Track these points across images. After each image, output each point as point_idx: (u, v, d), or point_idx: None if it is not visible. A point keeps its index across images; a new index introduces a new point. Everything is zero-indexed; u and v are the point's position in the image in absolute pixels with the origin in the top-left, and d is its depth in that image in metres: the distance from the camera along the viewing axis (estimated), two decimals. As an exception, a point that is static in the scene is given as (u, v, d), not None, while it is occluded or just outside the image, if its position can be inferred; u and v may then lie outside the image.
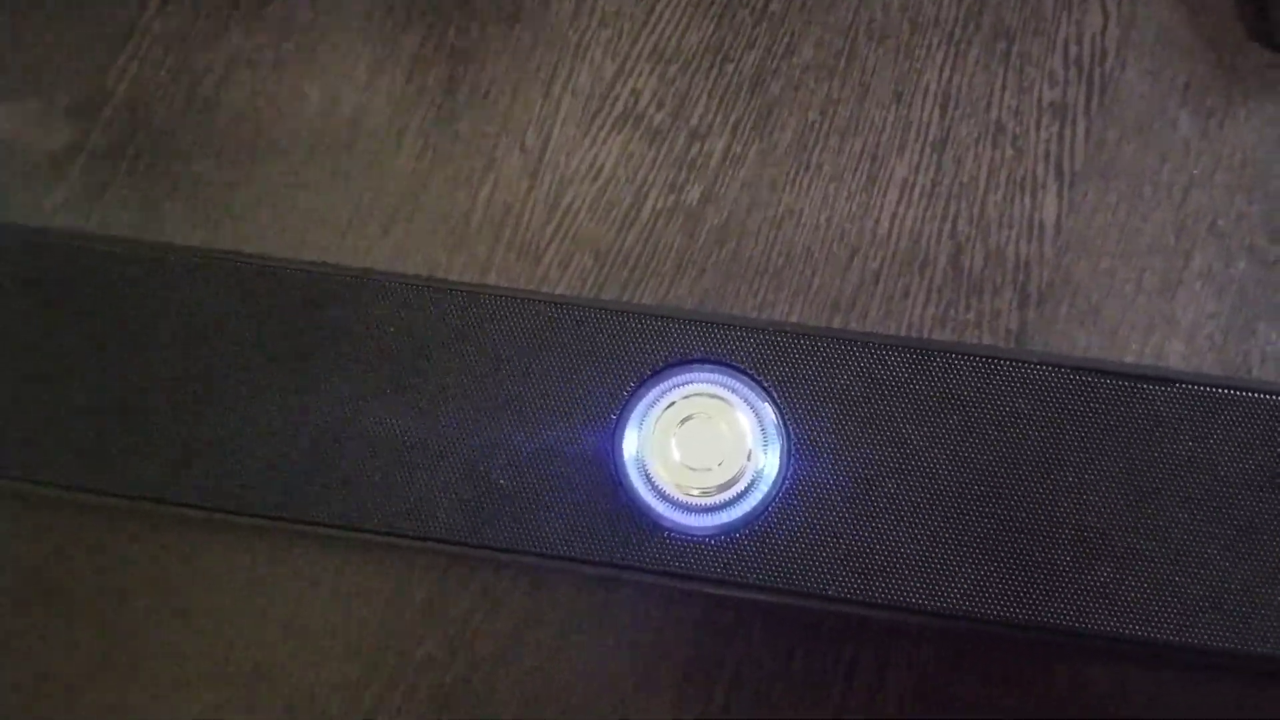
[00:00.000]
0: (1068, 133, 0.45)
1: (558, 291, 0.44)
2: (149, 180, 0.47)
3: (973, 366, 0.36)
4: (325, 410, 0.36)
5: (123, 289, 0.38)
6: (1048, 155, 0.45)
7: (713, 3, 0.47)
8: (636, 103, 0.46)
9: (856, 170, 0.45)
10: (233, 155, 0.47)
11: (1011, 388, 0.36)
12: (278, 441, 0.36)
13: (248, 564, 0.43)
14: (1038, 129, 0.45)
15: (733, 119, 0.46)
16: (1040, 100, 0.46)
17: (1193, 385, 0.36)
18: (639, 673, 0.41)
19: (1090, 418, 0.36)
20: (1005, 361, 0.36)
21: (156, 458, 0.37)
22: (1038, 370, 0.36)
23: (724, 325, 0.36)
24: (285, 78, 0.47)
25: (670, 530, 0.35)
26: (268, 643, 0.43)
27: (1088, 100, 0.45)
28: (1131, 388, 0.36)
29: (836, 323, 0.44)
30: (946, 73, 0.46)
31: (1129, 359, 0.43)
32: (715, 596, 0.40)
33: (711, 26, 0.47)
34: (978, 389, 0.36)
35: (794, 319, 0.44)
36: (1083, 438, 0.35)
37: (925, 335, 0.43)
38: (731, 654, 0.41)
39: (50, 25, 0.48)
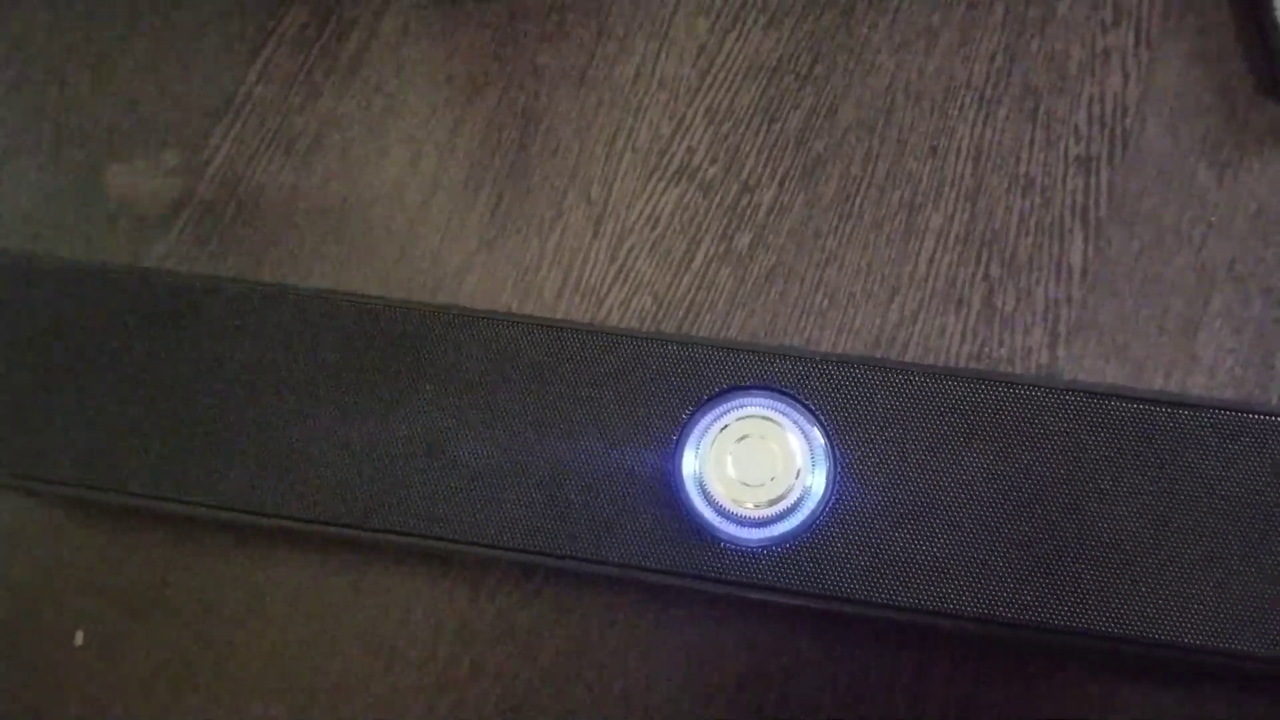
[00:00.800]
0: (1092, 183, 0.49)
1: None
2: (247, 234, 0.51)
3: (1006, 393, 0.39)
4: (409, 434, 0.40)
5: (230, 323, 0.43)
6: (1074, 205, 0.48)
7: (761, 67, 0.51)
8: (691, 159, 0.51)
9: (895, 219, 0.49)
10: (322, 211, 0.51)
11: (1042, 412, 0.39)
12: (363, 461, 0.40)
13: (330, 578, 0.47)
14: (1064, 180, 0.49)
15: (780, 173, 0.50)
16: (1066, 154, 0.49)
17: (1212, 410, 0.38)
18: (696, 681, 0.44)
19: (1116, 440, 0.39)
20: (1036, 388, 0.39)
21: (246, 474, 0.41)
22: (1066, 396, 0.39)
23: (774, 354, 0.40)
24: (372, 139, 0.52)
25: (725, 542, 0.38)
26: (349, 654, 0.46)
27: (1111, 153, 0.49)
28: (1155, 412, 0.39)
29: (879, 357, 0.47)
30: (978, 129, 0.50)
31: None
32: (767, 609, 0.43)
33: (760, 89, 0.51)
34: (1010, 414, 0.39)
35: (839, 353, 0.47)
36: (1110, 459, 0.38)
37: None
38: (781, 663, 0.44)
39: (161, 89, 0.54)
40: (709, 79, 0.52)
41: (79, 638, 0.48)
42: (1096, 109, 0.50)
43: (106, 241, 0.52)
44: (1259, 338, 0.47)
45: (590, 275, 0.49)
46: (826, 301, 0.48)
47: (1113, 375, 0.46)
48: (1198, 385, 0.46)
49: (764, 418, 0.39)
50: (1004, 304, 0.47)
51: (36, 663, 0.48)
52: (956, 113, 0.50)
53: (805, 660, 0.44)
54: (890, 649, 0.43)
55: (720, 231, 0.50)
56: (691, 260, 0.49)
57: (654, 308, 0.49)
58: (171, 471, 0.42)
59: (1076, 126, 0.50)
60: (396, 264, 0.50)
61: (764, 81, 0.51)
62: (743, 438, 0.39)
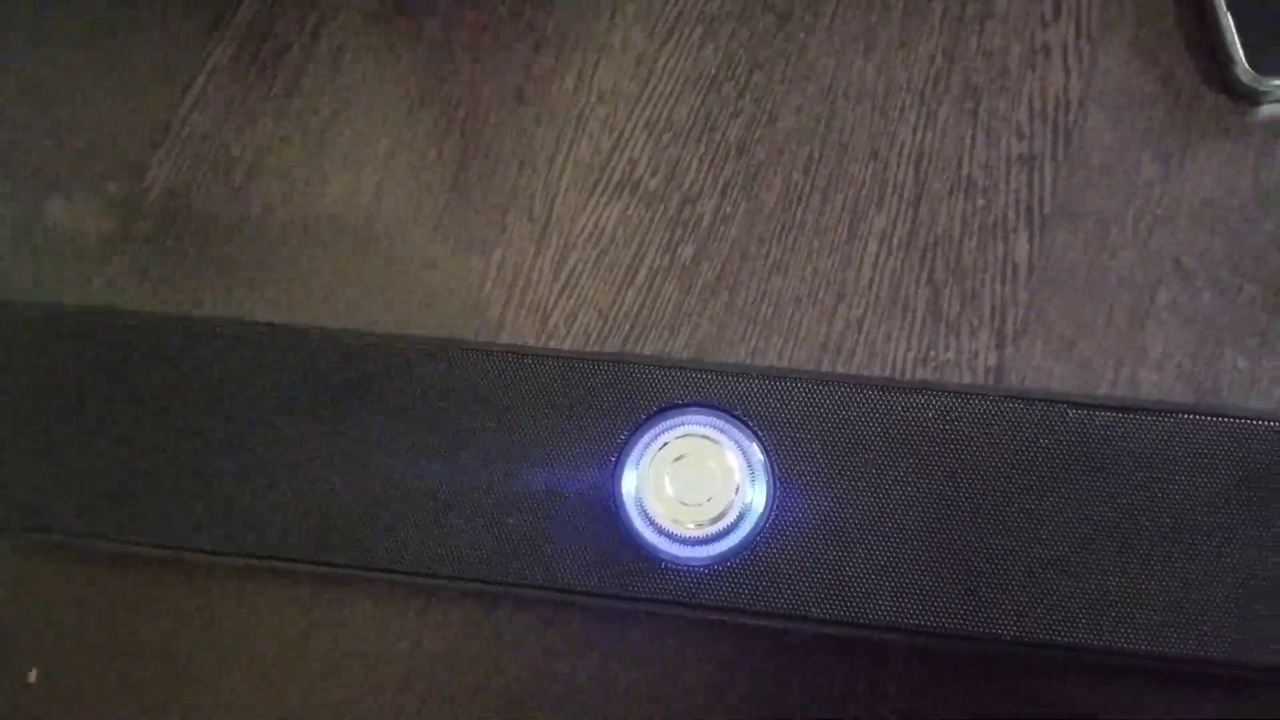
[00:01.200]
0: (1036, 180, 0.48)
1: (565, 346, 0.48)
2: (189, 265, 0.51)
3: (945, 403, 0.39)
4: (355, 466, 0.40)
5: (171, 360, 0.42)
6: (1018, 203, 0.48)
7: (700, 77, 0.51)
8: (633, 171, 0.50)
9: (838, 225, 0.49)
10: (263, 236, 0.51)
11: (984, 421, 0.39)
12: (313, 495, 0.40)
13: (286, 612, 0.46)
14: (1007, 179, 0.48)
15: (722, 182, 0.50)
16: (1009, 152, 0.49)
17: (1159, 414, 0.38)
18: (655, 701, 0.44)
19: (1062, 447, 0.38)
20: (976, 397, 0.39)
21: (206, 512, 0.40)
22: (1008, 404, 0.39)
23: (711, 371, 0.39)
24: (310, 163, 0.52)
25: (667, 562, 0.38)
26: (308, 686, 0.46)
27: (1054, 149, 0.49)
28: (1100, 417, 0.38)
29: (825, 365, 0.47)
30: (920, 131, 0.49)
31: (1103, 389, 0.46)
32: (717, 625, 0.43)
33: (700, 99, 0.51)
34: (951, 424, 0.39)
35: (784, 363, 0.47)
36: (1055, 466, 0.38)
37: (908, 376, 0.46)
38: (737, 681, 0.43)
39: (97, 120, 0.53)
40: (648, 90, 0.51)
41: (32, 675, 0.48)
42: (1038, 105, 0.49)
43: (48, 275, 0.52)
44: (1208, 330, 0.46)
45: (535, 292, 0.49)
46: (772, 311, 0.48)
47: (1061, 374, 0.46)
48: (1147, 380, 0.46)
49: (702, 436, 0.39)
50: (949, 308, 0.47)
51: (-9, 703, 0.48)
52: (897, 115, 0.50)
53: (762, 674, 0.43)
54: (843, 661, 0.43)
55: (664, 244, 0.49)
56: (636, 274, 0.49)
57: (600, 323, 0.48)
58: (118, 511, 0.42)
59: (1018, 124, 0.49)
60: (340, 290, 0.50)
61: (703, 91, 0.51)
62: (679, 457, 0.38)
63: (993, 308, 0.47)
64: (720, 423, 0.39)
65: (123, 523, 0.41)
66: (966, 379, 0.46)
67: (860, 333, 0.47)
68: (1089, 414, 0.38)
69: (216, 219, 0.52)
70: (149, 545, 0.41)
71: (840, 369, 0.47)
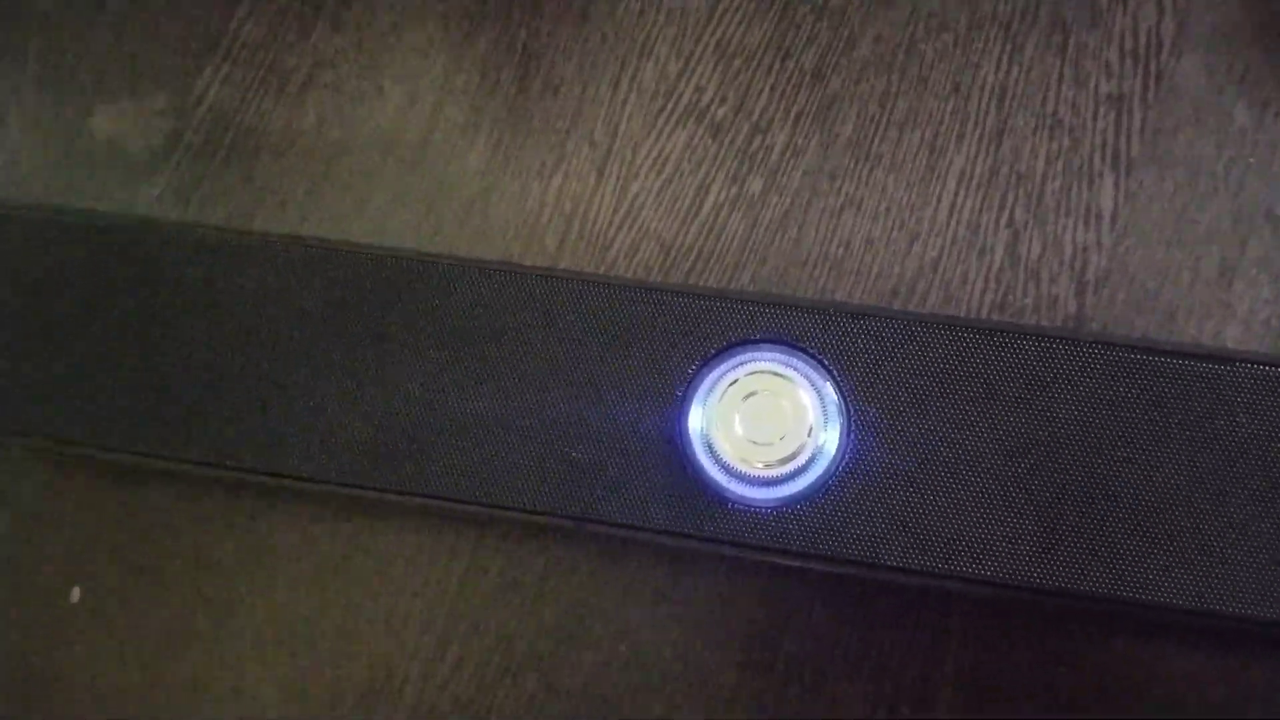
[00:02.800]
0: (1124, 122, 0.46)
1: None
2: (239, 176, 0.49)
3: (1029, 346, 0.37)
4: (407, 389, 0.39)
5: (215, 274, 0.41)
6: (1104, 145, 0.46)
7: (774, 0, 0.49)
8: (700, 98, 0.48)
9: (915, 161, 0.47)
10: (317, 152, 0.49)
11: (1068, 368, 0.37)
12: (361, 417, 0.39)
13: (330, 536, 0.45)
14: (1094, 119, 0.46)
15: (794, 113, 0.48)
16: (1096, 91, 0.46)
17: (1250, 364, 0.36)
18: (705, 643, 0.43)
19: (1147, 397, 0.37)
20: (1061, 341, 0.37)
21: (249, 432, 0.39)
22: (1094, 350, 0.37)
23: (785, 306, 0.38)
24: (365, 78, 0.50)
25: (734, 502, 0.37)
26: (349, 612, 0.45)
27: (1144, 91, 0.46)
28: (1187, 366, 0.37)
29: (896, 307, 0.45)
30: (1004, 65, 0.47)
31: (1187, 344, 0.44)
32: (778, 570, 0.41)
33: (773, 23, 0.49)
34: (1034, 369, 0.37)
35: (856, 303, 0.45)
36: (1140, 417, 0.36)
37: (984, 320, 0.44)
38: (793, 627, 0.42)
39: (146, 30, 0.51)
40: (719, 11, 0.49)
41: (75, 594, 0.47)
42: (1129, 43, 0.47)
43: (94, 187, 0.50)
44: (1298, 286, 0.44)
45: (594, 222, 0.47)
46: (842, 250, 0.46)
47: (1143, 326, 0.44)
48: (1233, 337, 0.44)
49: (774, 373, 0.37)
50: (1029, 251, 0.45)
51: (31, 619, 0.47)
52: (981, 48, 0.47)
53: (818, 622, 0.42)
54: (908, 613, 0.42)
55: (731, 175, 0.47)
56: (701, 206, 0.47)
57: (661, 256, 0.47)
58: (162, 427, 0.41)
59: (1108, 62, 0.47)
60: (392, 210, 0.48)
61: (777, 14, 0.49)
62: (751, 394, 0.37)
63: (1074, 253, 0.45)
64: (794, 360, 0.37)
65: (163, 438, 0.40)
66: (1045, 326, 0.44)
67: (935, 274, 0.45)
68: (1178, 363, 0.37)
69: (267, 134, 0.50)
70: (190, 462, 0.40)
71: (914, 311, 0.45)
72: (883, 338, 0.37)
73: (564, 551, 0.44)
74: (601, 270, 0.47)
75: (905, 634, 0.42)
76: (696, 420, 0.37)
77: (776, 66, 0.48)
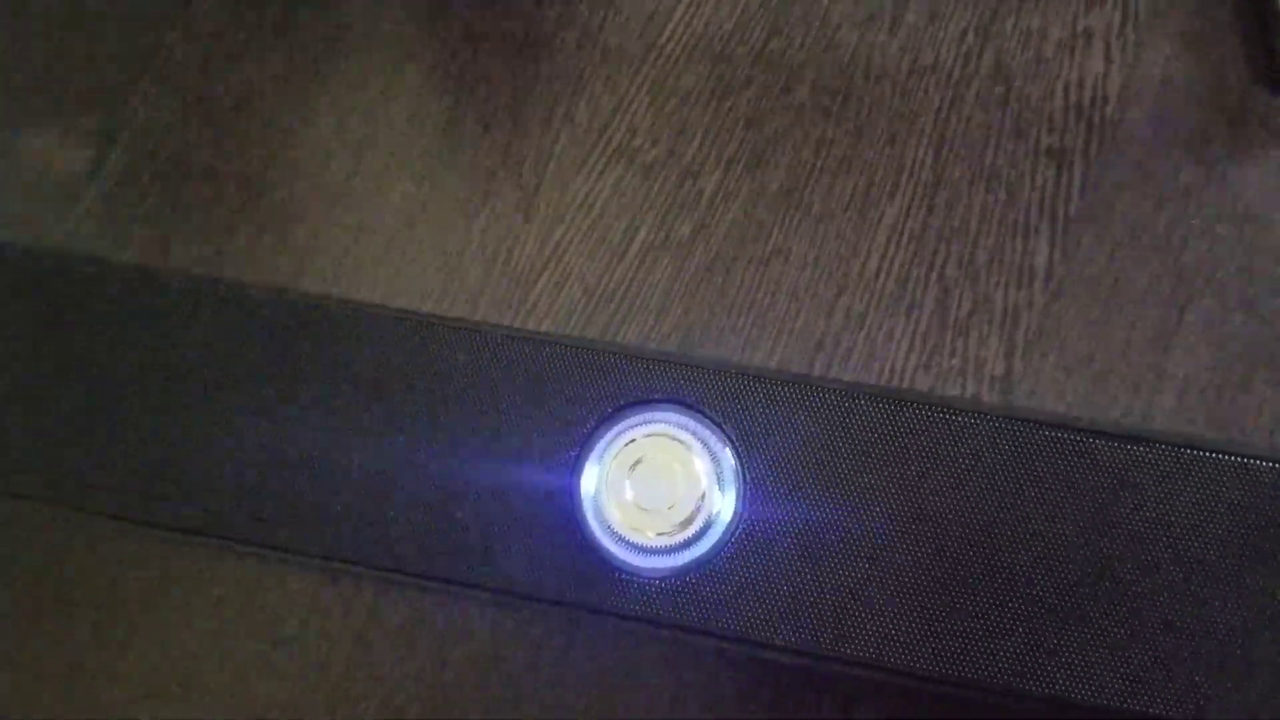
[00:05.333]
0: (1064, 178, 0.45)
1: (545, 322, 0.45)
2: (162, 204, 0.48)
3: (938, 419, 0.36)
4: (298, 439, 0.37)
5: (108, 311, 0.40)
6: (1042, 201, 0.44)
7: (712, 40, 0.47)
8: (632, 139, 0.47)
9: (847, 210, 0.45)
10: (241, 181, 0.48)
11: (979, 443, 0.35)
12: (250, 468, 0.38)
13: (228, 581, 0.44)
14: (1033, 174, 0.45)
15: (726, 157, 0.46)
16: (1038, 145, 0.45)
17: (1162, 445, 0.35)
18: (608, 708, 0.42)
19: (1057, 476, 0.35)
20: (972, 416, 0.35)
21: (131, 477, 0.38)
22: (1006, 426, 0.35)
23: (688, 366, 0.36)
24: (294, 109, 0.49)
25: (622, 571, 0.35)
26: (242, 659, 0.44)
27: (1086, 145, 0.45)
28: (1105, 447, 0.35)
29: (819, 362, 0.44)
30: (943, 115, 0.46)
31: (1116, 413, 0.42)
32: (679, 639, 0.40)
33: (709, 65, 0.47)
34: (942, 442, 0.35)
35: (775, 358, 0.44)
36: (1048, 496, 0.35)
37: (908, 380, 0.43)
38: (694, 700, 0.41)
39: (75, 50, 0.50)
40: (655, 51, 0.48)
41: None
42: (1074, 96, 0.45)
43: (17, 210, 0.49)
44: (1237, 356, 0.43)
45: (518, 263, 0.46)
46: (768, 299, 0.45)
47: (1073, 391, 0.43)
48: (1165, 406, 0.42)
49: (670, 437, 0.36)
50: (959, 309, 0.44)
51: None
52: (920, 96, 0.46)
53: (724, 694, 0.41)
54: (811, 694, 0.40)
55: (659, 219, 0.46)
56: (626, 250, 0.46)
57: (584, 300, 0.45)
58: (58, 469, 0.40)
59: (1050, 115, 0.45)
60: (314, 244, 0.47)
61: (714, 56, 0.47)
62: (640, 459, 0.35)
63: (1005, 313, 0.43)
64: (692, 423, 0.36)
65: (57, 480, 0.39)
66: (971, 389, 0.43)
67: (861, 330, 0.44)
68: (1092, 441, 0.35)
69: (193, 160, 0.49)
70: (68, 506, 0.39)
71: (836, 368, 0.43)
72: (784, 403, 0.36)
73: (466, 608, 0.43)
74: (522, 313, 0.45)
75: (808, 714, 0.40)
76: (590, 482, 0.36)
77: (711, 109, 0.47)
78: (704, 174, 0.46)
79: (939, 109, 0.46)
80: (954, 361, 0.43)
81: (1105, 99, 0.45)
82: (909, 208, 0.45)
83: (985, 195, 0.45)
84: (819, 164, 0.46)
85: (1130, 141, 0.45)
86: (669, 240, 0.46)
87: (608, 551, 0.35)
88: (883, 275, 0.44)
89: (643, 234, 0.46)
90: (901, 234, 0.45)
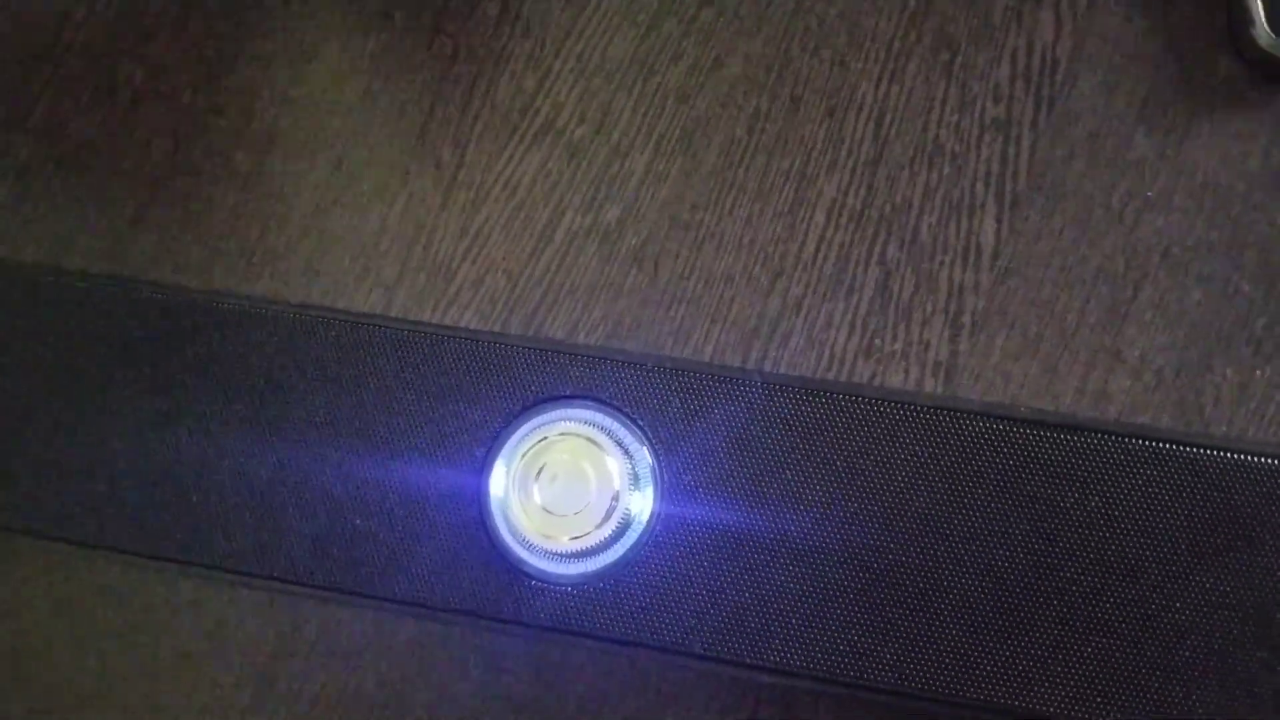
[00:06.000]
0: (1011, 151, 0.42)
1: (467, 312, 0.42)
2: (64, 194, 0.46)
3: (869, 411, 0.33)
4: (189, 444, 0.35)
5: (11, 311, 0.37)
6: (988, 175, 0.42)
7: (639, 13, 0.45)
8: (557, 117, 0.44)
9: (783, 190, 0.43)
10: (144, 171, 0.46)
11: (913, 434, 0.33)
12: (138, 475, 0.35)
13: (136, 591, 0.41)
14: (978, 147, 0.42)
15: (656, 135, 0.44)
16: (983, 116, 0.43)
17: (1108, 435, 0.32)
18: (536, 711, 0.39)
19: (998, 469, 0.33)
20: (904, 406, 0.33)
21: (14, 483, 0.36)
22: (940, 417, 0.33)
23: (603, 360, 0.34)
24: (200, 91, 0.46)
25: (534, 578, 0.33)
26: (153, 672, 0.41)
27: (1035, 115, 0.42)
28: (1043, 436, 0.33)
29: (755, 350, 0.41)
30: (883, 86, 0.43)
31: (1068, 397, 0.40)
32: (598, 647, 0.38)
33: (637, 39, 0.45)
34: (874, 435, 0.33)
35: (710, 346, 0.41)
36: (988, 491, 0.33)
37: (849, 366, 0.40)
38: (613, 709, 0.38)
39: (-31, 36, 0.48)
40: (580, 24, 0.45)
41: None
42: (1021, 64, 0.43)
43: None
44: (1195, 334, 0.40)
45: (438, 251, 0.44)
46: (701, 286, 0.42)
47: (1021, 375, 0.40)
48: (1120, 389, 0.40)
49: (583, 435, 0.33)
50: (901, 290, 0.41)
51: None
52: (860, 67, 0.44)
53: (648, 703, 0.38)
54: (731, 700, 0.38)
55: (586, 202, 0.44)
56: (552, 235, 0.43)
57: (508, 289, 0.43)
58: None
59: (996, 84, 0.43)
60: (222, 233, 0.44)
61: (643, 29, 0.45)
62: (552, 458, 0.33)
63: (950, 294, 0.41)
64: (607, 420, 0.34)
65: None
66: (915, 374, 0.40)
67: (799, 315, 0.41)
68: (1035, 432, 0.33)
69: (96, 149, 0.46)
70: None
71: (774, 355, 0.41)
72: (705, 398, 0.33)
73: (384, 616, 0.40)
74: (442, 304, 0.43)
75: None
76: (498, 484, 0.34)
77: (639, 85, 0.44)
78: (633, 153, 0.44)
79: (879, 80, 0.43)
80: (896, 346, 0.41)
81: (1055, 65, 0.43)
82: (848, 185, 0.42)
83: (929, 171, 0.42)
84: (753, 141, 0.43)
85: (1080, 111, 0.42)
86: (596, 224, 0.43)
87: (516, 558, 0.33)
88: (821, 257, 0.42)
89: (569, 218, 0.43)
90: (841, 213, 0.42)
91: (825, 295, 0.42)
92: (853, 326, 0.41)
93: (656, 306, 0.42)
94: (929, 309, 0.41)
